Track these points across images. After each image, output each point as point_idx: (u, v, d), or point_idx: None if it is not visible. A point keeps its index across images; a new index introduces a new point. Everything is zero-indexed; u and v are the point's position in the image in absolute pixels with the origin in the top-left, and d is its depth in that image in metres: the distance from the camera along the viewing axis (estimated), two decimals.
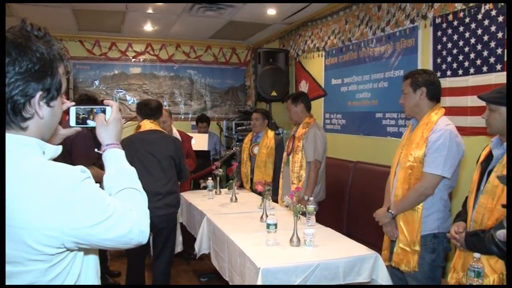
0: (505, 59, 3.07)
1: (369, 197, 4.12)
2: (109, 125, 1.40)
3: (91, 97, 3.92)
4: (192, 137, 5.10)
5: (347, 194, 4.59)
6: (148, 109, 3.65)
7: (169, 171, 3.52)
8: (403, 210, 2.65)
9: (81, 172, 1.13)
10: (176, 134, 4.76)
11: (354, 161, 4.71)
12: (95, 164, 3.50)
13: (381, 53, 4.52)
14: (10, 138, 1.11)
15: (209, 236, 3.51)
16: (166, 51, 7.58)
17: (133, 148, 3.39)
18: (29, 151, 1.12)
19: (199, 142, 5.80)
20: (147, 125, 3.58)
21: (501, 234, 1.19)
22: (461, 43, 3.47)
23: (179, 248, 4.50)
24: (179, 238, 4.47)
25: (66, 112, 1.38)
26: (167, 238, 3.53)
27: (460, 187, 3.01)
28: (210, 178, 4.62)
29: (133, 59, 7.49)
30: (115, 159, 1.38)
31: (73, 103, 1.40)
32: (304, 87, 6.18)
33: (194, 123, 7.12)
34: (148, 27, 6.54)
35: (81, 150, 3.47)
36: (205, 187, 4.70)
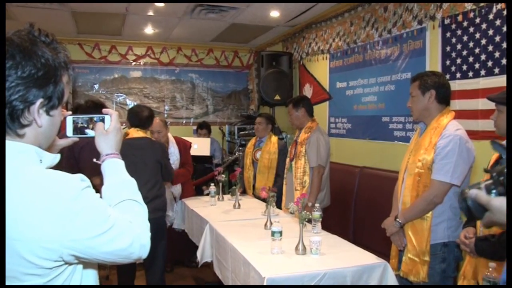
0: (506, 59, 3.04)
1: (376, 203, 4.09)
2: (108, 135, 1.39)
3: (97, 102, 3.87)
4: (191, 143, 5.03)
5: (353, 200, 4.56)
6: (138, 119, 3.68)
7: (155, 175, 3.61)
8: (411, 219, 2.61)
9: (81, 181, 1.10)
10: (172, 142, 4.70)
11: (360, 166, 4.68)
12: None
13: (387, 56, 4.49)
14: (7, 144, 1.08)
15: (211, 244, 3.48)
16: (167, 54, 7.58)
17: (122, 153, 3.39)
18: (26, 159, 1.09)
19: (201, 147, 5.76)
20: (135, 133, 3.64)
21: (474, 192, 1.15)
22: (471, 44, 3.44)
23: None
24: None
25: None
26: (157, 243, 3.49)
27: None
28: (212, 184, 4.59)
29: (134, 63, 7.49)
30: (114, 169, 1.36)
31: (70, 113, 1.38)
32: (308, 90, 6.16)
33: (195, 127, 7.10)
34: (149, 30, 6.54)
35: (90, 158, 3.44)
36: (207, 194, 4.67)
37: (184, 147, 4.81)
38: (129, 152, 3.42)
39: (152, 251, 3.44)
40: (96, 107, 3.64)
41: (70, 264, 1.12)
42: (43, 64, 1.09)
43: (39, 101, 1.09)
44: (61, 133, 1.36)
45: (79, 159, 3.43)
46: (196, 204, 4.39)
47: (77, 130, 1.40)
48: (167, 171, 3.77)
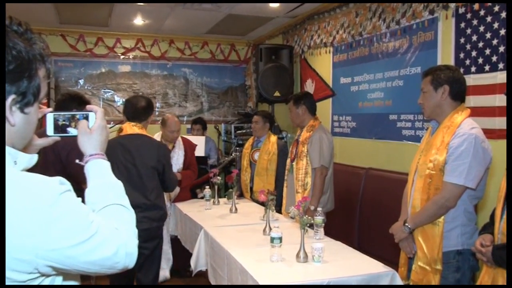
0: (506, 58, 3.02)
1: (382, 207, 4.08)
2: (92, 133, 1.37)
3: (75, 95, 3.67)
4: (196, 145, 5.02)
5: (358, 204, 4.55)
6: (132, 111, 3.51)
7: (150, 182, 3.41)
8: (421, 223, 2.58)
9: (59, 184, 1.07)
10: (179, 141, 4.71)
11: (365, 168, 4.67)
12: None
13: (395, 49, 4.47)
14: None
15: (206, 251, 3.47)
16: (158, 47, 7.57)
17: (112, 155, 3.28)
18: None
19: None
20: (129, 129, 3.47)
21: None
22: (488, 35, 3.42)
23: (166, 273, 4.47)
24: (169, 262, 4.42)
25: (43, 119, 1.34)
26: (149, 256, 3.42)
27: (488, 198, 2.94)
28: (207, 186, 4.56)
29: (122, 56, 7.47)
30: (99, 171, 1.34)
31: (50, 109, 1.36)
32: (310, 86, 6.15)
33: (189, 126, 7.08)
34: (139, 20, 6.52)
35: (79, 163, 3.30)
36: (202, 197, 4.64)
37: (190, 147, 4.83)
38: (121, 154, 3.34)
39: (141, 264, 3.31)
40: (73, 100, 3.45)
41: (48, 276, 1.09)
42: (14, 56, 1.05)
43: (11, 98, 1.06)
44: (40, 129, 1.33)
45: (67, 164, 3.30)
46: (190, 208, 4.36)
47: (58, 128, 1.38)
48: (167, 179, 3.54)
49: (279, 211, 4.09)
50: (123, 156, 3.34)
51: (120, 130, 3.55)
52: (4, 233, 0.97)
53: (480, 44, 3.48)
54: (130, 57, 7.51)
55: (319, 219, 3.16)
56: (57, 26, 6.85)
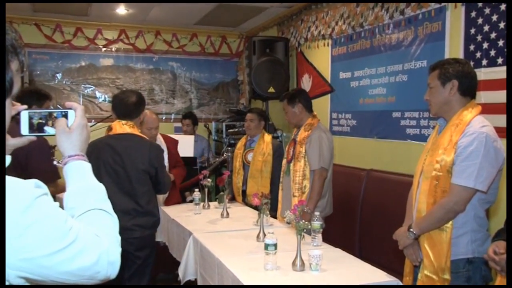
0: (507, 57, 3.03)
1: (385, 211, 4.09)
2: (72, 133, 1.36)
3: (33, 90, 3.46)
4: (177, 141, 5.00)
5: (359, 208, 4.56)
6: (123, 107, 3.44)
7: (141, 187, 3.36)
8: (427, 229, 2.57)
9: (35, 188, 1.05)
10: (160, 139, 4.67)
11: (367, 169, 4.67)
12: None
13: (399, 41, 4.48)
14: None
15: (195, 259, 3.46)
16: (143, 39, 7.54)
17: (101, 157, 3.27)
18: None
19: (183, 146, 5.69)
20: (119, 127, 3.41)
21: None
22: (501, 25, 3.42)
23: None
24: None
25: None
26: (140, 266, 3.37)
27: (501, 201, 2.93)
28: (197, 189, 4.55)
29: (104, 49, 7.42)
30: (79, 173, 1.33)
31: (25, 106, 1.34)
32: (307, 82, 6.16)
33: (177, 124, 7.04)
34: (122, 10, 6.49)
35: (40, 164, 3.21)
36: (191, 201, 4.62)
37: (172, 144, 4.82)
38: (109, 155, 3.30)
39: (130, 276, 3.25)
40: (30, 96, 3.32)
41: None
42: None
43: None
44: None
45: (27, 166, 3.20)
46: (178, 213, 4.35)
47: (34, 127, 1.36)
48: (161, 181, 3.49)
49: (274, 215, 4.08)
50: (112, 158, 3.30)
51: (110, 129, 3.50)
52: (4, 233, 0.95)
53: (493, 35, 3.48)
54: (113, 49, 7.46)
55: (316, 224, 3.16)
56: (30, 14, 6.74)
